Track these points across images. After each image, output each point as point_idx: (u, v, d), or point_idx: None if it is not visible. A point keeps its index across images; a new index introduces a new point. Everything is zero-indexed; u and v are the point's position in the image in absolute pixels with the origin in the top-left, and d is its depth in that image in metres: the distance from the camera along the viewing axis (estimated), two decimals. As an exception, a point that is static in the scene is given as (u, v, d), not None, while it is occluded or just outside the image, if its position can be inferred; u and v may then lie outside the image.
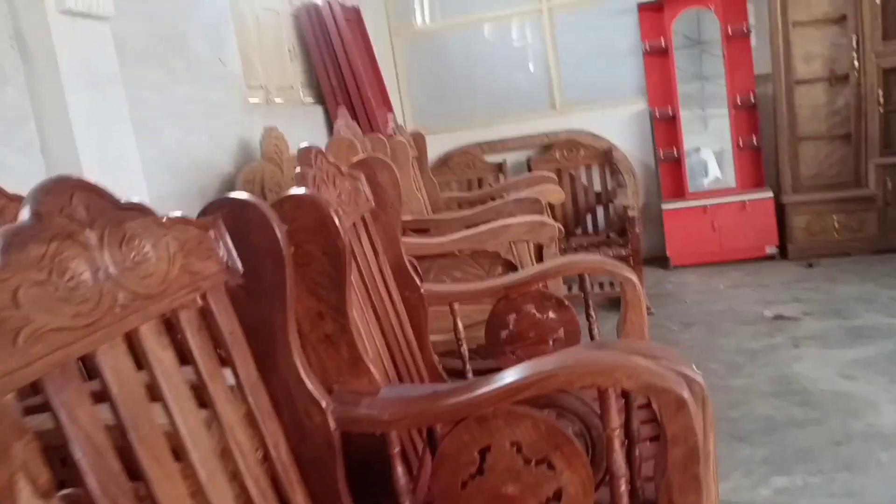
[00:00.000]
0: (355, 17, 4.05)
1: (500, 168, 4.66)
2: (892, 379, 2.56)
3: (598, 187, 4.55)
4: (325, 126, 3.81)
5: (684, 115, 4.52)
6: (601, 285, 3.95)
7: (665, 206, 4.49)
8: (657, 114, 4.57)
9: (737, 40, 4.41)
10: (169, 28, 2.51)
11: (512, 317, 1.65)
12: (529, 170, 4.60)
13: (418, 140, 3.34)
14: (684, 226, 4.48)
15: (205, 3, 2.78)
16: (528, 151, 4.76)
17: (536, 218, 2.04)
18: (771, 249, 4.43)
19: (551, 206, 4.49)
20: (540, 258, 2.79)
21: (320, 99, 3.77)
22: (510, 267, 2.12)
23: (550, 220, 2.06)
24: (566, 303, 1.69)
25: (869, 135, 4.22)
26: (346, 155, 2.49)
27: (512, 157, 4.76)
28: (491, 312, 1.65)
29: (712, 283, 4.14)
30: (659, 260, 4.62)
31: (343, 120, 3.03)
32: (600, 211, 4.55)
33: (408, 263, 1.67)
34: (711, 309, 3.64)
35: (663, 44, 4.46)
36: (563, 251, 3.90)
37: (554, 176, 3.28)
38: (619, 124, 4.71)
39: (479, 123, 4.86)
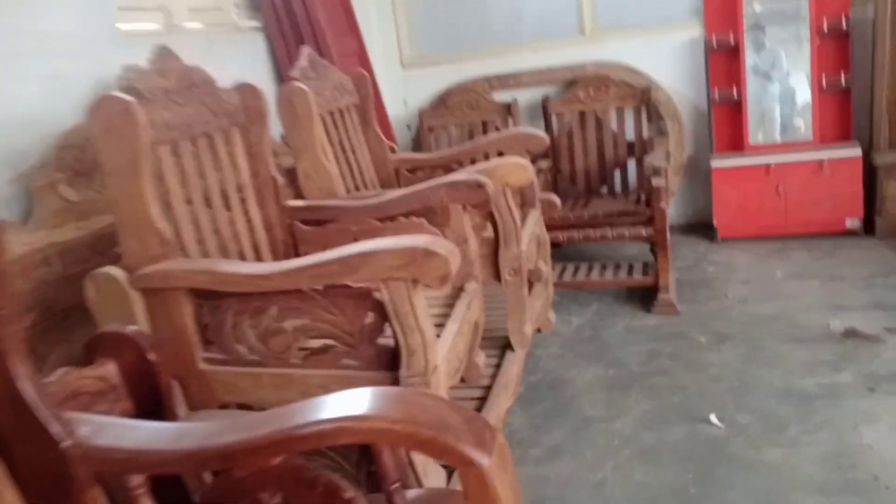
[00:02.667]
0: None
1: (508, 109, 3.74)
2: None
3: (631, 136, 3.60)
4: (268, 60, 2.99)
5: (750, 45, 3.48)
6: (616, 268, 3.09)
7: (716, 163, 3.52)
8: (715, 42, 3.53)
9: (829, -58, 3.29)
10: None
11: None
12: (545, 112, 3.67)
13: (359, 83, 2.50)
14: (739, 188, 3.50)
15: None
16: (546, 89, 3.81)
17: (418, 243, 1.23)
18: (852, 223, 3.42)
19: (557, 167, 3.60)
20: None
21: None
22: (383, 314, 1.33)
23: (444, 246, 1.24)
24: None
25: None
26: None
27: (525, 96, 3.83)
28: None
29: (768, 267, 3.20)
30: (703, 229, 3.68)
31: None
32: (632, 166, 3.61)
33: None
34: (758, 313, 2.73)
35: (727, -52, 3.38)
36: (569, 225, 3.04)
37: (540, 138, 2.38)
38: (664, 55, 3.69)
39: (488, 52, 3.92)
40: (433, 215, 1.91)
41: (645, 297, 2.95)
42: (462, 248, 1.81)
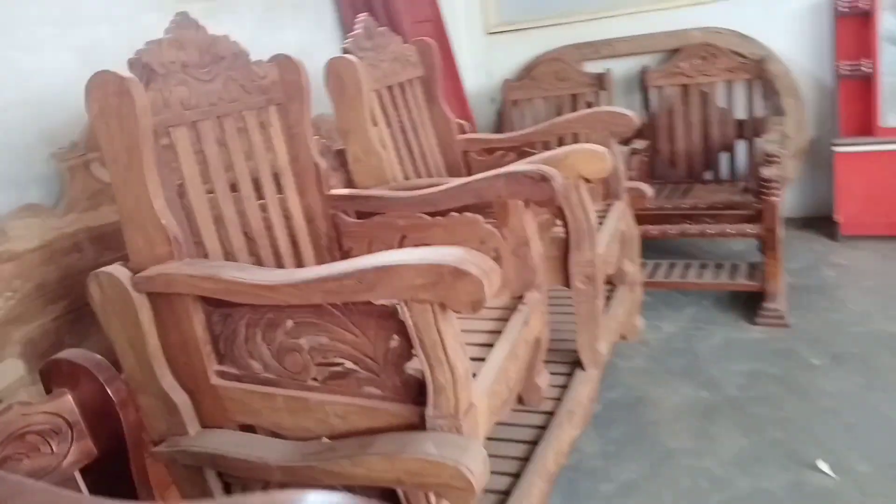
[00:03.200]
0: None
1: (600, 81, 3.39)
2: None
3: (741, 114, 3.18)
4: (336, 29, 2.78)
5: (887, 9, 2.96)
6: (718, 267, 2.73)
7: (839, 147, 3.05)
8: (843, 6, 3.03)
9: None
10: None
11: None
12: (642, 85, 3.30)
13: (425, 53, 2.24)
14: (867, 177, 3.02)
15: None
16: (644, 58, 3.43)
17: (447, 258, 0.97)
18: None
19: (655, 148, 3.22)
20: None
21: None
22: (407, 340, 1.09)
23: (479, 265, 0.98)
24: None
25: None
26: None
27: (620, 67, 3.45)
28: None
29: (899, 272, 2.74)
30: (823, 224, 3.22)
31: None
32: (742, 149, 3.19)
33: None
34: (886, 330, 2.32)
35: None
36: (664, 217, 2.69)
37: (627, 119, 2.05)
38: (782, 21, 3.22)
39: (580, 16, 3.56)
40: (490, 210, 1.66)
41: (749, 303, 2.57)
42: (522, 251, 1.56)
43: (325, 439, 1.22)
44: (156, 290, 1.24)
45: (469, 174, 2.31)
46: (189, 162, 1.38)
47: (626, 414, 2.06)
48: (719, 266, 2.72)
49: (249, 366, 1.27)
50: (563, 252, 1.74)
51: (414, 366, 1.15)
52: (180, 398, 1.30)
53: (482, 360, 1.33)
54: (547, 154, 1.70)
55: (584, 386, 1.76)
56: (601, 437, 1.97)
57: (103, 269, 1.26)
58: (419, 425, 1.14)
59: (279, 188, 1.63)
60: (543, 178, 1.48)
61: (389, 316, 1.13)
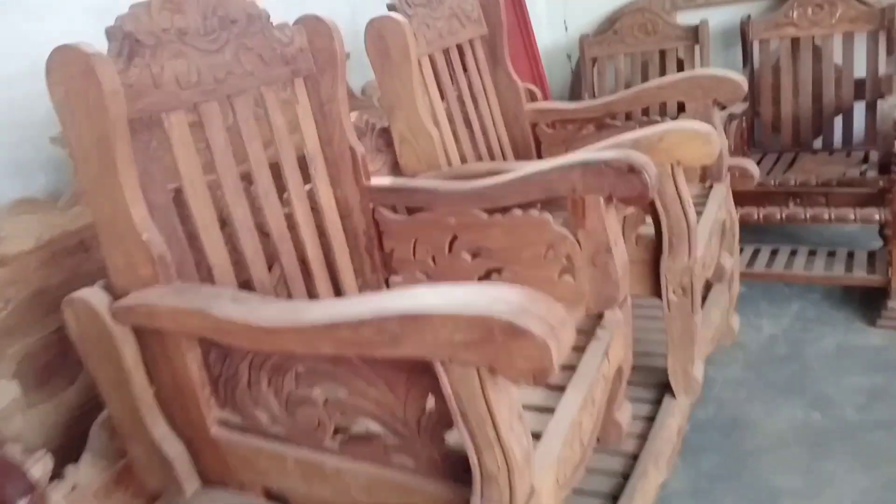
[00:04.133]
0: None
1: (695, 34, 2.95)
2: None
3: (861, 72, 2.70)
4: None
5: None
6: (830, 255, 2.33)
7: None
8: None
9: None
10: None
11: None
12: (743, 39, 2.85)
13: (489, 7, 1.89)
14: None
15: None
16: (746, 7, 2.95)
17: (501, 307, 0.67)
18: None
19: (755, 111, 2.78)
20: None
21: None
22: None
23: (547, 318, 0.68)
24: None
25: None
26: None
27: (718, 17, 2.99)
28: None
29: None
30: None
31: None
32: (859, 111, 2.72)
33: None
34: None
35: None
36: (767, 197, 2.30)
37: (734, 84, 1.67)
38: (921, -42, 2.69)
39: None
40: (562, 207, 1.34)
41: (867, 299, 2.17)
42: (602, 259, 1.24)
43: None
44: (139, 323, 1.00)
45: (538, 151, 1.98)
46: (187, 156, 1.12)
47: (720, 440, 1.73)
48: (832, 254, 2.31)
49: (255, 416, 1.01)
50: (654, 255, 1.42)
51: (455, 438, 0.88)
52: (175, 450, 1.07)
53: (547, 410, 1.04)
54: (635, 135, 1.36)
55: (675, 418, 1.45)
56: (690, 467, 1.65)
57: (79, 293, 1.02)
58: (463, 512, 0.87)
59: (305, 179, 1.36)
60: (632, 170, 1.15)
61: (424, 371, 0.85)
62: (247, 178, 1.25)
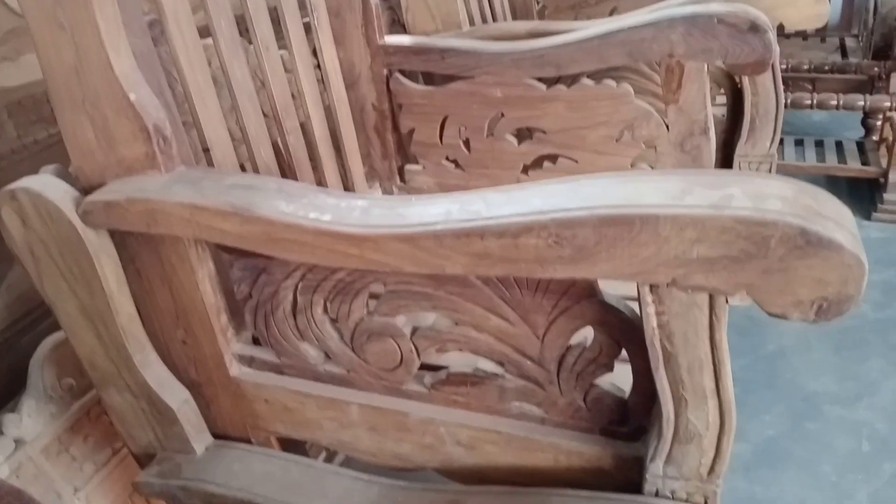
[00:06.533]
0: None
1: None
2: None
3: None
4: None
5: None
6: (818, 146, 2.23)
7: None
8: None
9: None
10: None
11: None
12: None
13: None
14: None
15: None
16: None
17: (775, 205, 0.45)
18: None
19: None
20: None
21: None
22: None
23: (847, 228, 0.47)
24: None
25: None
26: None
27: None
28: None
29: None
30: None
31: None
32: None
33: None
34: None
35: None
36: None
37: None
38: None
39: None
40: (644, 77, 1.09)
41: (856, 192, 2.08)
42: (694, 144, 1.01)
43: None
44: (126, 227, 0.67)
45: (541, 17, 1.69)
46: (168, -17, 0.76)
47: (739, 340, 1.61)
48: (819, 144, 2.20)
49: (298, 351, 0.74)
50: (725, 141, 1.20)
51: (606, 382, 0.65)
52: (178, 398, 0.77)
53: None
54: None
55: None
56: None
57: (24, 182, 0.68)
58: (615, 474, 0.66)
59: (307, 33, 1.03)
60: (754, 28, 0.91)
61: (583, 296, 0.60)
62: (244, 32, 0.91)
